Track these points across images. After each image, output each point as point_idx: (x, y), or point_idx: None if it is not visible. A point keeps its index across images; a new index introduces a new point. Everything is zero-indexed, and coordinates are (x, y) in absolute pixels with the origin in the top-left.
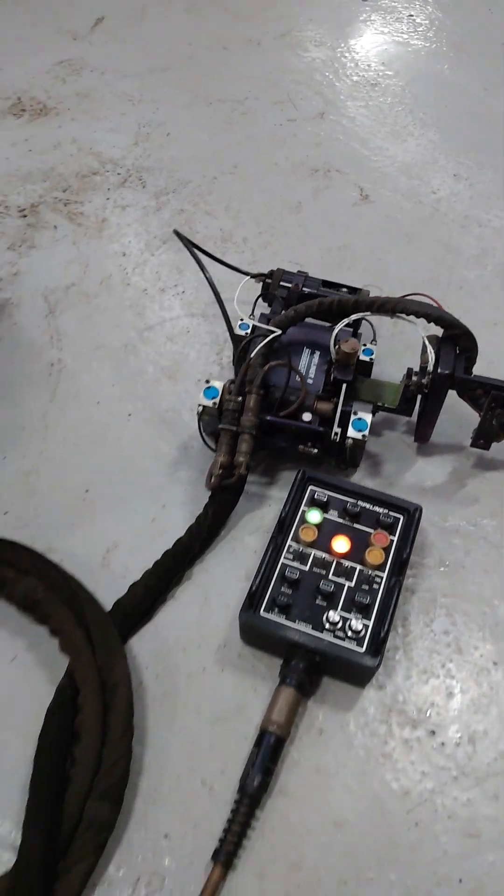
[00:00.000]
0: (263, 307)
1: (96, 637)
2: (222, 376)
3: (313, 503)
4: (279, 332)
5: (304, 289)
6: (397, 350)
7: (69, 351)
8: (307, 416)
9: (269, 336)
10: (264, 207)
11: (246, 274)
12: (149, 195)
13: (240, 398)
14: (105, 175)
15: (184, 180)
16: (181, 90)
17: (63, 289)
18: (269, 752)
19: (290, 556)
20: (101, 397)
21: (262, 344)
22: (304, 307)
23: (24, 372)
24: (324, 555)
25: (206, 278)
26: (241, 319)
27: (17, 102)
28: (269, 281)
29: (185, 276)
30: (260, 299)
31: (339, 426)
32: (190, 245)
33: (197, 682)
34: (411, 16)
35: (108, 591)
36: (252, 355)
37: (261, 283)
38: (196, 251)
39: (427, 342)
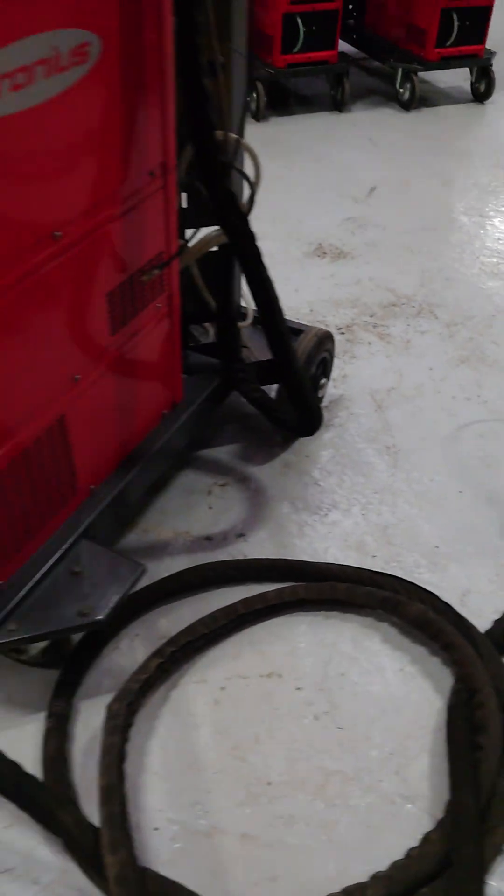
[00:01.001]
0: None
1: (483, 651)
2: None
3: None
4: None
5: None
6: None
7: (400, 438)
8: None
9: None
10: None
11: None
12: (441, 325)
13: None
14: (402, 307)
15: (468, 315)
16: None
17: (385, 391)
18: None
19: None
20: (433, 475)
21: None
22: None
23: (365, 451)
24: None
25: None
26: None
27: (318, 247)
28: None
29: (483, 389)
30: None
31: None
32: None
33: None
34: None
35: None
36: None
37: None
38: None
39: None
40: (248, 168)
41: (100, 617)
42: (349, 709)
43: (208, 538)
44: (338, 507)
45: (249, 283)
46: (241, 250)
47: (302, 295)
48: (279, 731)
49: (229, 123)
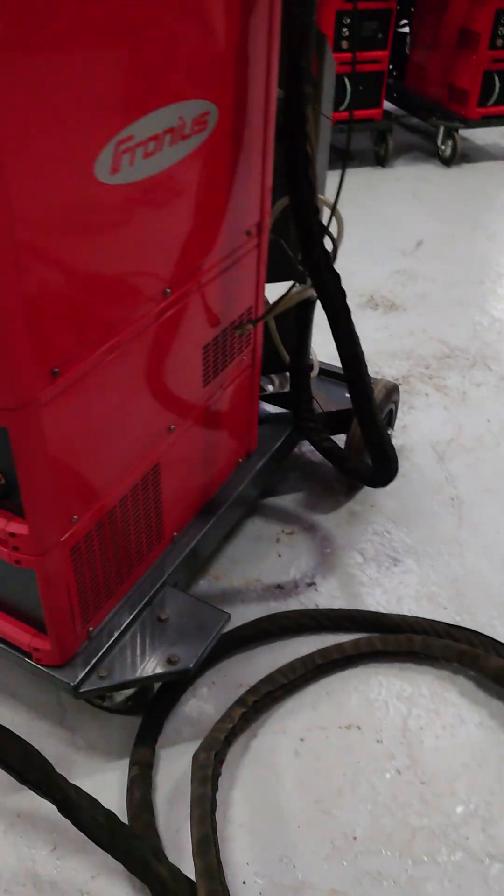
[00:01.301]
0: None
1: None
2: None
3: None
4: None
5: None
6: None
7: (463, 489)
8: None
9: None
10: None
11: None
12: (496, 377)
13: None
14: (456, 359)
15: None
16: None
17: (446, 442)
18: None
19: None
20: (499, 528)
21: None
22: None
23: (429, 502)
24: None
25: None
26: None
27: (370, 299)
28: None
29: None
30: None
31: None
32: None
33: None
34: None
35: None
36: None
37: None
38: None
39: None
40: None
41: (189, 666)
42: (431, 763)
43: (279, 586)
44: (406, 557)
45: (338, 338)
46: (333, 307)
47: None
48: (362, 784)
49: (319, 185)
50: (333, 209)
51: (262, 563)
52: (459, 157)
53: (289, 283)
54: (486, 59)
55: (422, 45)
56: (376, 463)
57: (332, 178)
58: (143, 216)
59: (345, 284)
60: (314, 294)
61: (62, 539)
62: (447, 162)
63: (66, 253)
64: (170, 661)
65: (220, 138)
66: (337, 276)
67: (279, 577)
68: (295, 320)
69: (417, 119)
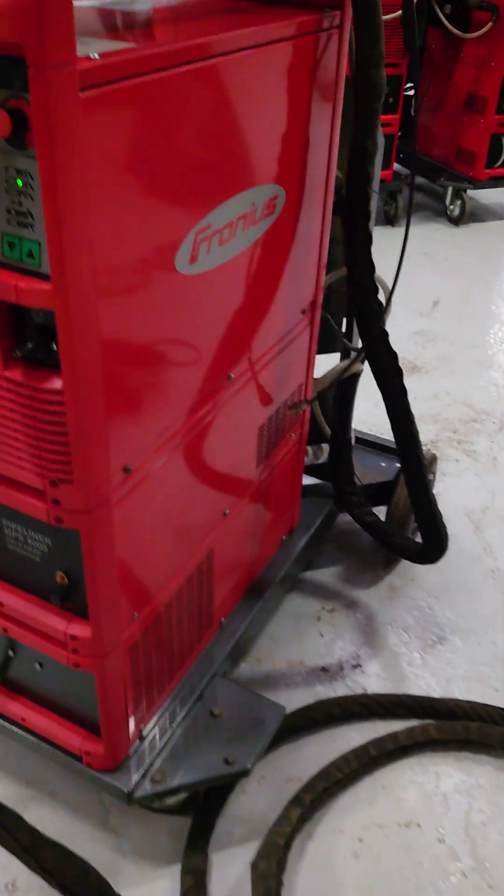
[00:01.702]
0: None
1: None
2: None
3: None
4: None
5: None
6: None
7: (502, 560)
8: None
9: None
10: None
11: None
12: None
13: None
14: (482, 422)
15: None
16: None
17: (481, 510)
18: None
19: None
20: None
21: None
22: None
23: (470, 575)
24: None
25: None
26: None
27: None
28: None
29: None
30: None
31: None
32: None
33: None
34: None
35: None
36: None
37: None
38: None
39: None
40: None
41: (246, 767)
42: (498, 864)
43: (324, 668)
44: (452, 635)
45: (394, 418)
46: (391, 387)
47: (383, 409)
48: (427, 889)
49: None
50: (390, 295)
51: (305, 644)
52: (467, 216)
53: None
54: (494, 123)
55: (429, 108)
56: (427, 540)
57: None
58: (214, 303)
59: None
60: (361, 368)
61: (122, 638)
62: (455, 221)
63: (145, 347)
64: (226, 762)
65: (285, 221)
66: (394, 356)
67: (323, 659)
68: (338, 393)
69: (426, 180)
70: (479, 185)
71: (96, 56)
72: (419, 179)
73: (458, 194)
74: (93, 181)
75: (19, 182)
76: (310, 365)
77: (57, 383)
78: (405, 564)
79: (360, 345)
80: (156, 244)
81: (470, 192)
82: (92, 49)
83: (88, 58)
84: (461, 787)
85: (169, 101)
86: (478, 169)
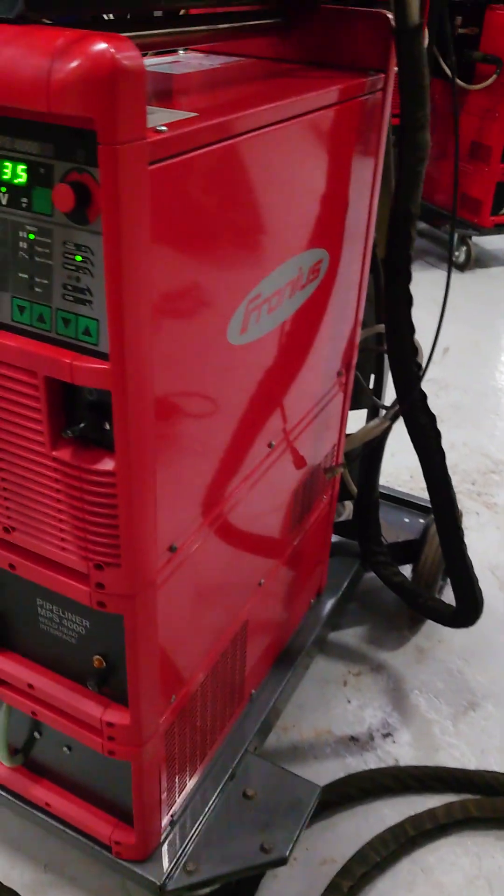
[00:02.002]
0: None
1: None
2: None
3: None
4: None
5: None
6: None
7: None
8: None
9: None
10: None
11: None
12: None
13: None
14: (501, 473)
15: None
16: None
17: (503, 567)
18: None
19: None
20: None
21: None
22: None
23: (498, 637)
24: None
25: None
26: None
27: None
28: None
29: None
30: None
31: None
32: None
33: None
34: None
35: None
36: None
37: None
38: None
39: None
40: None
41: (284, 855)
42: None
43: (353, 738)
44: (485, 700)
45: (432, 481)
46: (429, 450)
47: (399, 460)
48: None
49: None
50: (430, 355)
51: (332, 711)
52: (473, 262)
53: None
54: (499, 171)
55: (433, 156)
56: (463, 604)
57: None
58: (259, 372)
59: None
60: (390, 425)
61: (160, 723)
62: (461, 268)
63: (194, 422)
64: (263, 850)
65: (327, 283)
66: (433, 418)
67: (352, 728)
68: (364, 451)
69: (429, 226)
70: (484, 231)
71: (164, 129)
72: (422, 225)
73: (463, 241)
74: (155, 256)
75: (78, 257)
76: (342, 425)
77: (109, 464)
78: (431, 625)
79: (386, 402)
80: (210, 316)
81: (475, 239)
82: (156, 119)
83: (156, 130)
84: None
85: (227, 171)
86: (483, 216)
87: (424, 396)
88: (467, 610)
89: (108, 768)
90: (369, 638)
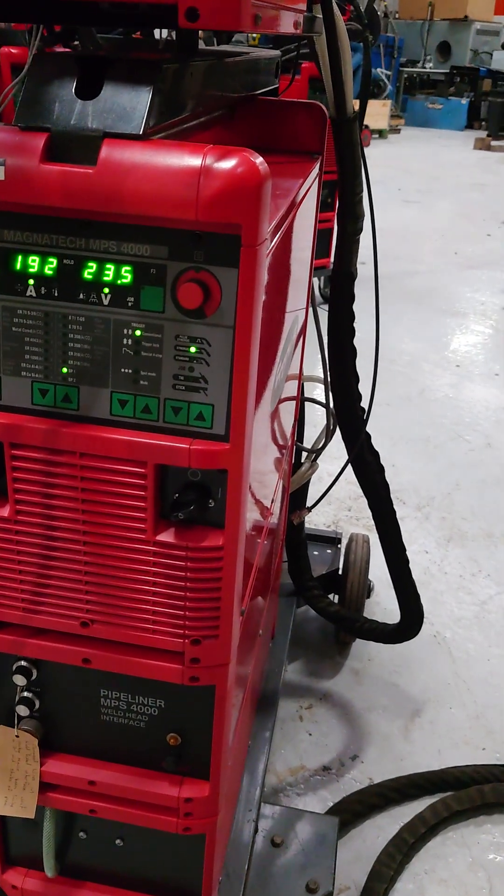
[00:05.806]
0: None
1: None
2: None
3: None
4: None
5: None
6: None
7: (438, 623)
8: None
9: None
10: None
11: None
12: (411, 508)
13: None
14: None
15: (429, 496)
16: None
17: None
18: None
19: None
20: (490, 655)
21: None
22: None
23: (415, 646)
24: None
25: None
26: None
27: None
28: None
29: (482, 564)
30: None
31: None
32: None
33: None
34: None
35: None
36: None
37: None
38: None
39: None
40: None
41: (330, 888)
42: None
43: (326, 768)
44: (426, 705)
45: (376, 506)
46: (372, 481)
47: None
48: None
49: None
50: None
51: (298, 747)
52: None
53: None
54: None
55: None
56: (407, 618)
57: None
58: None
59: None
60: (317, 468)
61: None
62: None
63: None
64: (309, 889)
65: (299, 339)
66: (377, 455)
67: (321, 758)
68: (294, 493)
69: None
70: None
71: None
72: None
73: None
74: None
75: (193, 349)
76: (288, 481)
77: (218, 539)
78: (357, 646)
79: (309, 445)
80: (266, 383)
81: None
82: None
83: None
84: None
85: (282, 249)
86: None
87: (369, 437)
88: (412, 623)
89: (167, 851)
90: (308, 671)
